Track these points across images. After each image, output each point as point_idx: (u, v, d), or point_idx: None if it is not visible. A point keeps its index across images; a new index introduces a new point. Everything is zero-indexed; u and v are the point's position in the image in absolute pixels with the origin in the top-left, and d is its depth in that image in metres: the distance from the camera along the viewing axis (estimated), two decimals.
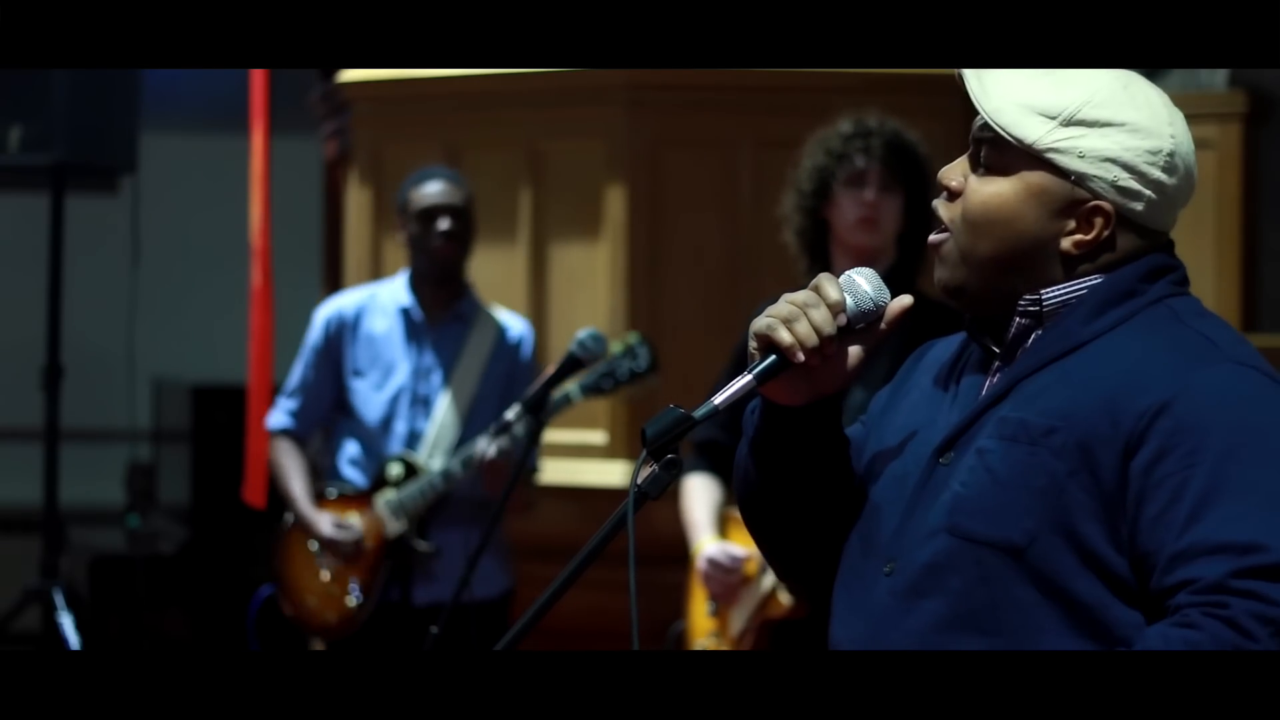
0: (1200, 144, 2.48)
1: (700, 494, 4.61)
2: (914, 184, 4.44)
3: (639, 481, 2.28)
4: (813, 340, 2.30)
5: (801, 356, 2.30)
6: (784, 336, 2.30)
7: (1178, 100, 2.42)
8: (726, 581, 4.51)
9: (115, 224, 6.67)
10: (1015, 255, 2.33)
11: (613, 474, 5.72)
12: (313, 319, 5.37)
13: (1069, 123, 2.31)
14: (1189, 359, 2.24)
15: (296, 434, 5.35)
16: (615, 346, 4.93)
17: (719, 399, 2.29)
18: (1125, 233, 2.33)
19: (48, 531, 6.05)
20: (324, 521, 5.19)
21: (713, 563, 4.50)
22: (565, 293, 5.90)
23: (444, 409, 5.20)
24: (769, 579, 4.42)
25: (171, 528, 8.54)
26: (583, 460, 5.72)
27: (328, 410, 5.34)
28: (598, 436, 5.76)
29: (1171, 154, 2.33)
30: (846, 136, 4.47)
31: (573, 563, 2.30)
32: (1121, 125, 2.32)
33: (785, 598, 4.39)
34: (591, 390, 4.93)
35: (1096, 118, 2.31)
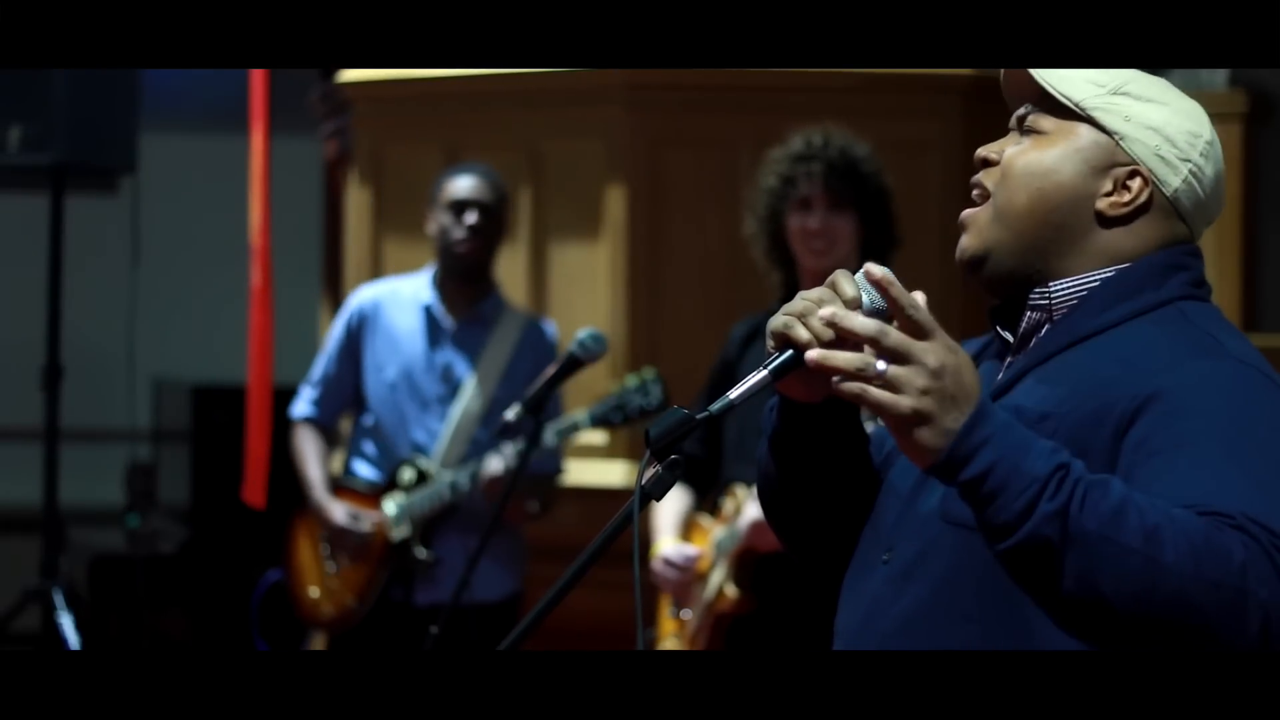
0: None
1: (668, 502, 4.65)
2: (864, 199, 4.48)
3: (643, 482, 2.27)
4: (829, 337, 2.28)
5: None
6: (801, 334, 2.27)
7: None
8: (680, 580, 4.60)
9: (115, 224, 6.66)
10: (1051, 208, 2.33)
11: (614, 474, 5.72)
12: (340, 309, 5.38)
13: (1116, 93, 2.35)
14: (1191, 351, 2.24)
15: (319, 422, 5.36)
16: (631, 380, 4.94)
17: (734, 394, 2.26)
18: (1156, 216, 2.33)
19: (48, 531, 6.05)
20: (338, 510, 5.19)
21: (666, 562, 4.60)
22: (565, 293, 5.90)
23: (460, 411, 5.20)
24: (717, 575, 4.50)
25: (171, 528, 8.54)
26: (584, 460, 5.71)
27: (349, 401, 5.36)
28: (598, 437, 5.76)
29: (1211, 143, 2.35)
30: (792, 159, 4.52)
31: (575, 564, 2.29)
32: (1166, 104, 2.35)
33: (731, 591, 4.48)
34: (600, 421, 4.94)
35: (1142, 94, 2.35)
